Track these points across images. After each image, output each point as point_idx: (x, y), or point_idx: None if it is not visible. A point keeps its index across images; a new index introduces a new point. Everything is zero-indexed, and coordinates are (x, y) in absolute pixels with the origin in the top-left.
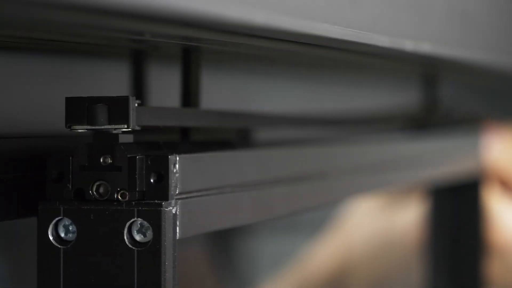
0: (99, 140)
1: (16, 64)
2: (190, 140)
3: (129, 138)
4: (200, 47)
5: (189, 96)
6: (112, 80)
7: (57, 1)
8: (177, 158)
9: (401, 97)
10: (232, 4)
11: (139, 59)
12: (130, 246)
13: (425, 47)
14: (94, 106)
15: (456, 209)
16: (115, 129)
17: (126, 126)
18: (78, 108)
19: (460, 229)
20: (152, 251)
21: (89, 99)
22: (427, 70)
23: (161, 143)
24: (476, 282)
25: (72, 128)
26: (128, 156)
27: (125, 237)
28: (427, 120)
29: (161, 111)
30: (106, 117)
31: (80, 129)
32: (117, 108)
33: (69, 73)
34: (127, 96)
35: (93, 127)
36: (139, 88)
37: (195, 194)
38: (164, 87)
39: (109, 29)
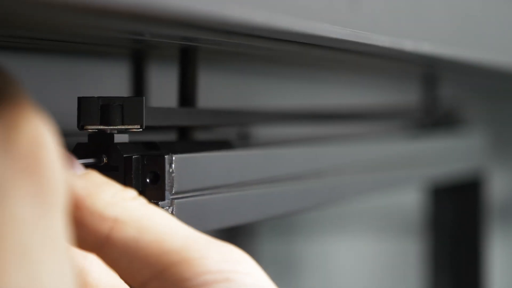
0: (94, 140)
1: (16, 64)
2: (187, 140)
3: (125, 138)
4: (197, 47)
5: (186, 95)
6: (111, 80)
7: (57, 1)
8: (173, 158)
9: (401, 97)
10: (232, 4)
11: (137, 58)
12: None
13: (425, 47)
14: (109, 106)
15: (456, 209)
16: (128, 129)
17: (139, 127)
18: (91, 108)
19: (460, 229)
20: None
21: (102, 99)
22: (427, 70)
23: (158, 143)
24: (476, 282)
25: (84, 128)
26: (124, 156)
27: None
28: (427, 120)
29: (158, 110)
30: (120, 118)
31: (93, 129)
32: (131, 109)
33: (69, 73)
34: (142, 97)
35: (107, 127)
36: (138, 87)
37: (191, 194)
38: (161, 86)
39: (109, 29)
